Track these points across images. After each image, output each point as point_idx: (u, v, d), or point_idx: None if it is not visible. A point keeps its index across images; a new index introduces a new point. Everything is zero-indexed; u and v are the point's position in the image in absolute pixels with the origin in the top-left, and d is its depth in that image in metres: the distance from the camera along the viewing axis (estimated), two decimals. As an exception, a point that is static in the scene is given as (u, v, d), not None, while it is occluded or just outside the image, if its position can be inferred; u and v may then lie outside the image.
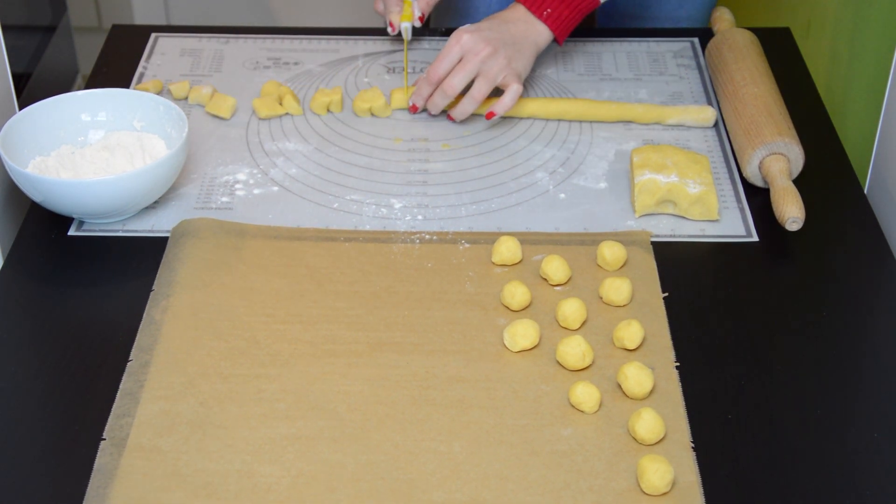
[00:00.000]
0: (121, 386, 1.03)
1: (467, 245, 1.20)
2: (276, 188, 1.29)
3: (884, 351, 1.10)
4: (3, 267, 1.18)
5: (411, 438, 0.99)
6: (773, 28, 1.59)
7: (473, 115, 1.40)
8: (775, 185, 1.24)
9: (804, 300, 1.15)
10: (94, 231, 1.22)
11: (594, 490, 0.95)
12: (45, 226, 1.23)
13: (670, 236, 1.23)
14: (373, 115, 1.41)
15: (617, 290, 1.13)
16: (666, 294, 1.15)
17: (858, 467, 0.98)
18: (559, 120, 1.40)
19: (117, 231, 1.23)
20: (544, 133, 1.39)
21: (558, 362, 1.07)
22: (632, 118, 1.40)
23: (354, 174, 1.32)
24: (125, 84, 1.46)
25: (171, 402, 1.02)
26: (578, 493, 0.95)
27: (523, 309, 1.13)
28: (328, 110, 1.41)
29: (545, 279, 1.16)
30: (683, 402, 1.03)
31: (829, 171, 1.33)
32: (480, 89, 1.35)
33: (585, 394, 1.01)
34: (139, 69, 1.49)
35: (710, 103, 1.44)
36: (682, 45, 1.56)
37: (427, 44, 1.55)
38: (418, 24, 1.47)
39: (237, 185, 1.29)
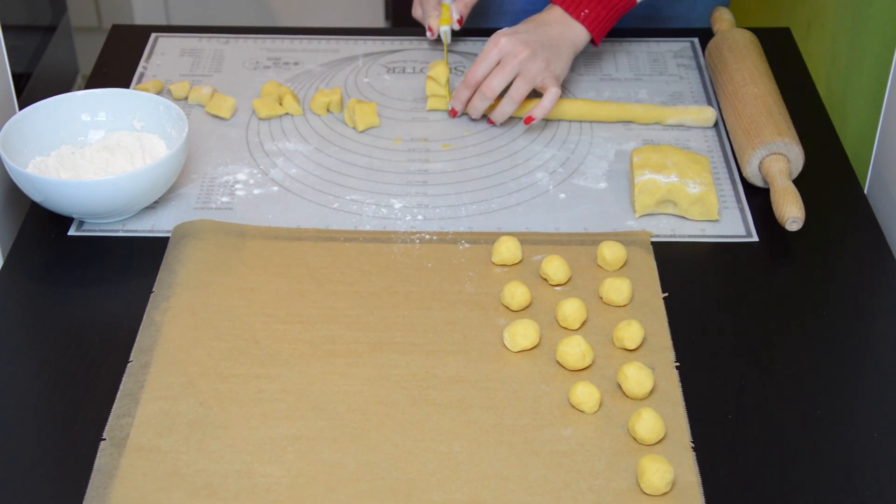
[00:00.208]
0: (121, 386, 1.03)
1: (467, 245, 1.20)
2: (276, 188, 1.29)
3: (884, 351, 1.10)
4: (3, 267, 1.19)
5: (411, 438, 0.99)
6: (773, 28, 1.59)
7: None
8: (775, 185, 1.24)
9: (804, 300, 1.15)
10: (94, 231, 1.22)
11: (594, 490, 0.95)
12: (45, 226, 1.23)
13: (670, 236, 1.23)
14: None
15: (617, 290, 1.13)
16: (666, 294, 1.15)
17: (858, 467, 0.98)
18: (559, 120, 1.40)
19: (117, 231, 1.23)
20: (544, 133, 1.39)
21: (558, 362, 1.07)
22: (632, 118, 1.40)
23: (354, 174, 1.32)
24: (125, 84, 1.46)
25: (171, 402, 1.02)
26: (578, 493, 0.95)
27: (523, 309, 1.13)
28: (328, 110, 1.41)
29: (545, 279, 1.16)
30: (683, 402, 1.03)
31: (829, 171, 1.33)
32: (519, 90, 1.34)
33: (585, 394, 1.01)
34: (139, 69, 1.49)
35: (710, 103, 1.44)
36: (682, 45, 1.56)
37: (426, 43, 1.55)
38: (457, 26, 1.47)
39: (237, 185, 1.29)
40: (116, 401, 1.02)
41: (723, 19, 1.52)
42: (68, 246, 1.21)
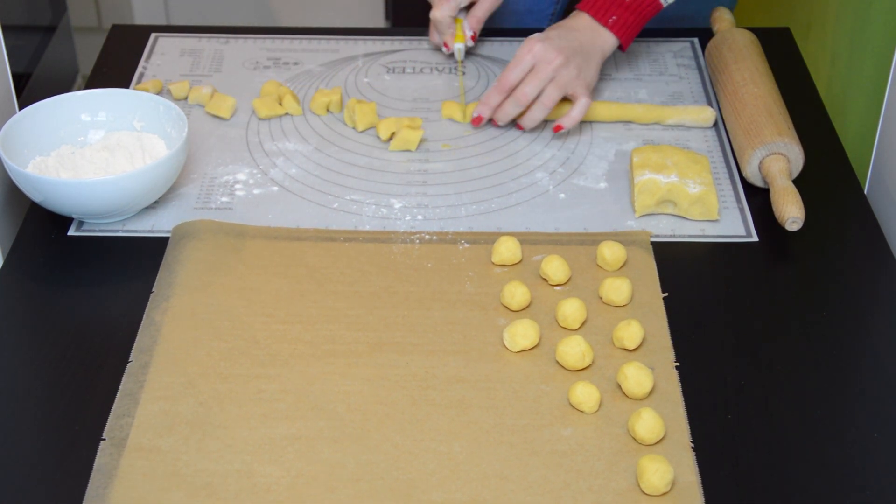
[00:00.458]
0: (121, 387, 1.03)
1: (467, 245, 1.20)
2: (275, 188, 1.29)
3: (884, 351, 1.10)
4: (3, 267, 1.18)
5: (411, 438, 0.99)
6: (773, 28, 1.59)
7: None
8: (775, 185, 1.24)
9: (804, 300, 1.15)
10: (94, 231, 1.22)
11: (594, 490, 0.95)
12: (45, 226, 1.23)
13: (670, 236, 1.23)
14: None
15: (617, 290, 1.13)
16: (666, 294, 1.15)
17: (858, 467, 0.98)
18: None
19: (117, 231, 1.23)
20: (544, 133, 1.39)
21: (558, 362, 1.07)
22: (632, 118, 1.40)
23: (354, 174, 1.32)
24: (125, 84, 1.46)
25: (171, 402, 1.02)
26: (578, 493, 0.95)
27: (523, 309, 1.13)
28: (328, 110, 1.41)
29: (545, 279, 1.16)
30: (683, 402, 1.03)
31: (829, 171, 1.33)
32: (551, 96, 1.34)
33: (585, 394, 1.01)
34: (139, 69, 1.49)
35: (709, 103, 1.44)
36: (682, 45, 1.56)
37: (426, 43, 1.55)
38: (471, 43, 1.47)
39: (237, 185, 1.29)
40: (116, 401, 1.02)
41: (723, 19, 1.52)
42: (68, 246, 1.21)
